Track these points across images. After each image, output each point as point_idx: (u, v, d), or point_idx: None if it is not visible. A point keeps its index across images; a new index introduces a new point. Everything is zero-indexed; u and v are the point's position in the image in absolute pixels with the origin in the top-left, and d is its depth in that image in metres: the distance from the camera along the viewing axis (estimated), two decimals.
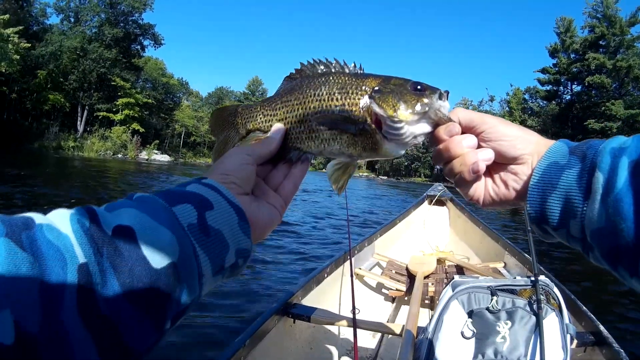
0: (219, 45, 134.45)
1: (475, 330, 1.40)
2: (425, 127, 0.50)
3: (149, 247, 0.36)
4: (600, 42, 35.72)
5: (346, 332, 1.92)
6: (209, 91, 66.45)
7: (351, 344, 2.04)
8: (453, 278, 1.57)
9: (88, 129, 38.92)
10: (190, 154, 51.86)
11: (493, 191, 0.51)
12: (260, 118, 0.59)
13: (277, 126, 0.56)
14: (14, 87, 31.96)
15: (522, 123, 40.17)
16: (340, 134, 0.53)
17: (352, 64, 0.57)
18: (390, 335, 2.00)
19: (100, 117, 39.24)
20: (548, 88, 41.66)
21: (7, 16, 25.44)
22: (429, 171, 67.04)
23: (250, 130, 0.60)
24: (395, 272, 2.95)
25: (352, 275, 1.89)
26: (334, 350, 1.93)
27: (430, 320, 1.49)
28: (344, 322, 1.73)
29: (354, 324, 1.56)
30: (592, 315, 1.74)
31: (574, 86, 40.33)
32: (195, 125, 52.30)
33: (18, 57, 26.71)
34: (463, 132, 0.50)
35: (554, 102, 41.48)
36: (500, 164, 0.50)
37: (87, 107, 38.62)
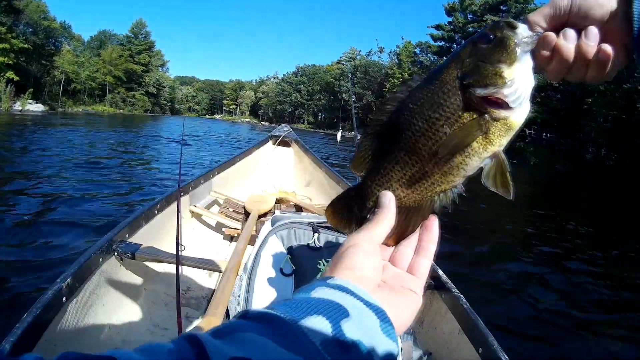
0: None
1: (294, 267, 1.35)
2: (530, 63, 0.43)
3: None
4: (502, 7, 36.89)
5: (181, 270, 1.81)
6: (92, 34, 60.53)
7: (187, 283, 1.98)
8: None
9: None
10: (71, 102, 46.51)
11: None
12: (378, 191, 0.48)
13: (383, 194, 0.46)
14: None
15: (410, 76, 41.33)
16: (467, 149, 0.43)
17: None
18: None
19: None
20: (441, 44, 42.59)
21: None
22: (312, 118, 68.78)
23: (370, 209, 0.49)
24: (233, 211, 2.87)
25: (178, 211, 1.82)
26: (166, 288, 1.84)
27: (249, 256, 1.43)
28: (169, 259, 1.64)
29: (177, 260, 1.50)
30: None
31: None
32: (75, 71, 47.63)
33: None
34: (554, 31, 0.43)
35: (445, 57, 43.29)
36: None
37: None
